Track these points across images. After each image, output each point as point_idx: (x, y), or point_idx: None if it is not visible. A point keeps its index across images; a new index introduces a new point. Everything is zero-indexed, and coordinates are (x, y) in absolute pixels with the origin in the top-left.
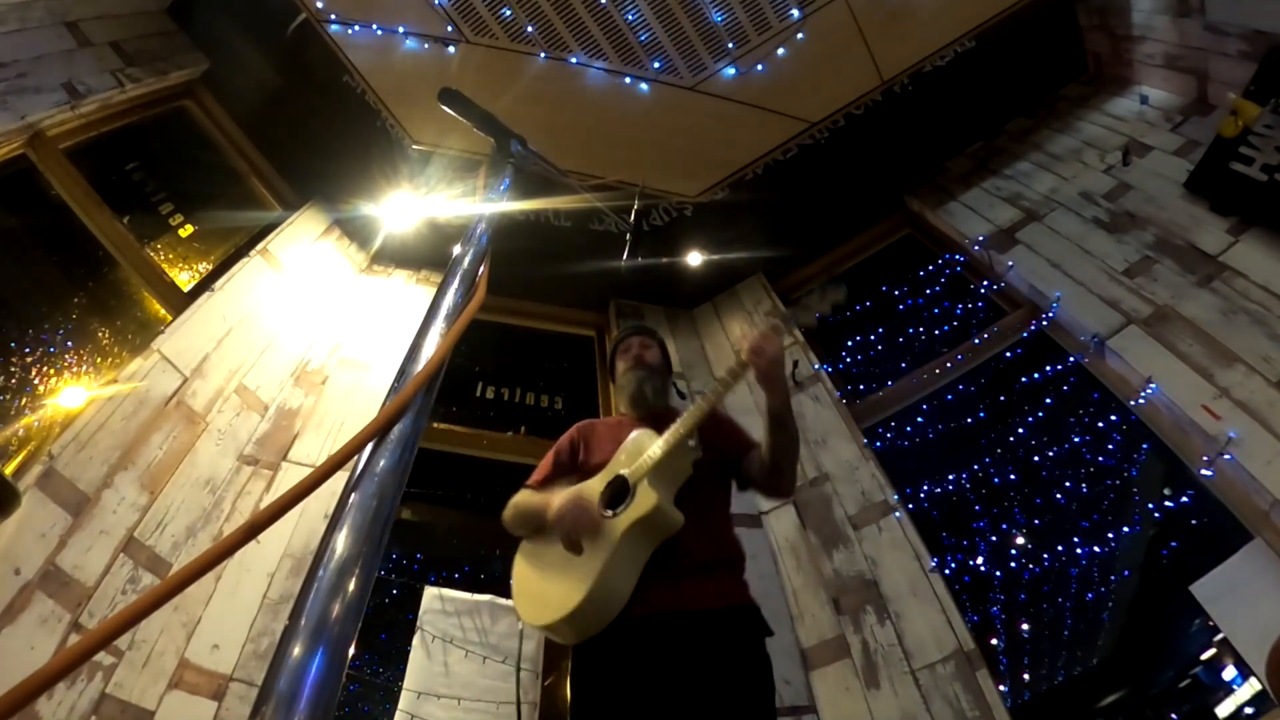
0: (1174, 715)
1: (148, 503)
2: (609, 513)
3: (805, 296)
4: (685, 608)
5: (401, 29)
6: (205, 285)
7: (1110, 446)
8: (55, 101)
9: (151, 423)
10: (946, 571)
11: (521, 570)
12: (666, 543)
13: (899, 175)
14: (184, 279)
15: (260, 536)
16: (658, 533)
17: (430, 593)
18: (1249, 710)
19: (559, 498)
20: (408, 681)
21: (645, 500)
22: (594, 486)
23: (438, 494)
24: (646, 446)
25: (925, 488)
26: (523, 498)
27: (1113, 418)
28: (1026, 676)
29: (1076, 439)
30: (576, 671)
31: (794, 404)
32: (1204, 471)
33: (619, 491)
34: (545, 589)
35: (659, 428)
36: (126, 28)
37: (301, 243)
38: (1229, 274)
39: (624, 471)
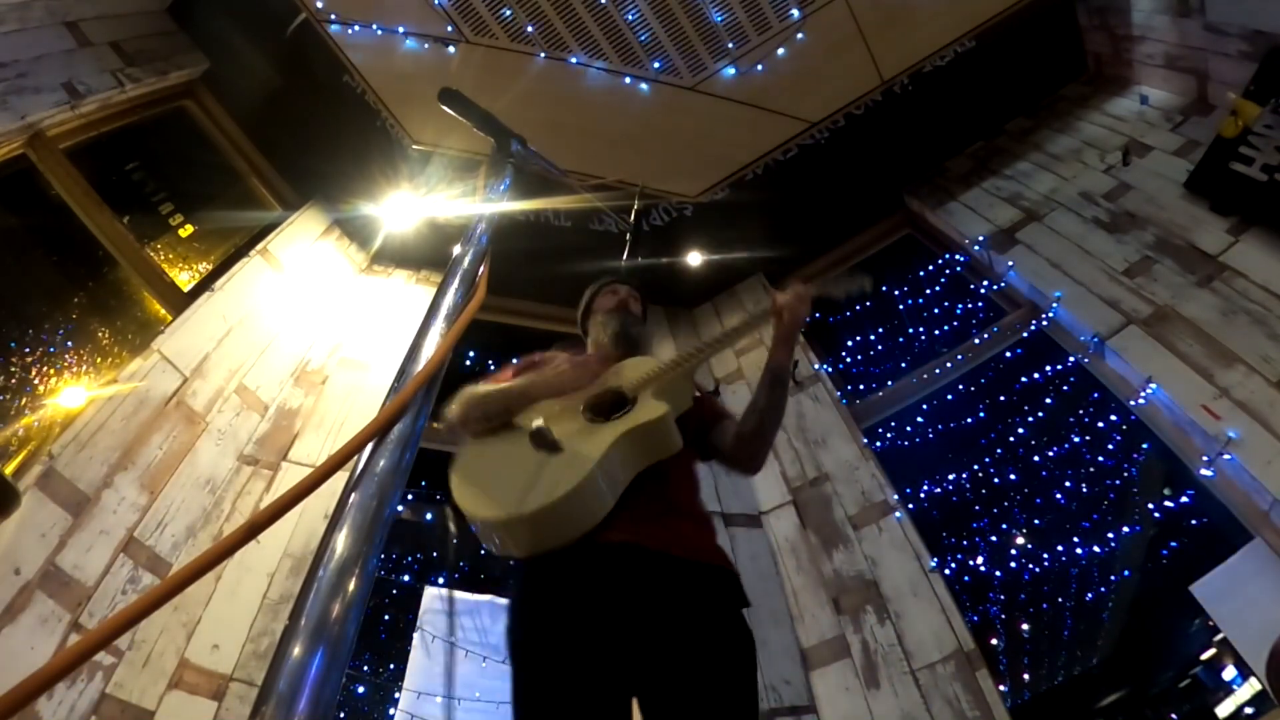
0: (1174, 715)
1: (148, 503)
2: (597, 418)
3: (837, 275)
4: (672, 551)
5: (401, 29)
6: (205, 285)
7: (1110, 446)
8: (55, 101)
9: (151, 423)
10: (946, 571)
11: (472, 458)
12: (652, 474)
13: (899, 175)
14: (184, 279)
15: (260, 536)
16: (653, 450)
17: (430, 593)
18: (1249, 710)
19: (553, 364)
20: (408, 681)
21: (653, 409)
22: (574, 397)
23: (438, 494)
24: (646, 366)
25: (925, 488)
26: (482, 386)
27: (1113, 418)
28: (1026, 676)
29: (1076, 439)
30: (525, 593)
31: (794, 404)
32: (1204, 471)
33: (615, 402)
34: (504, 481)
35: None
36: (126, 28)
37: (301, 243)
38: (1229, 274)
39: (618, 384)
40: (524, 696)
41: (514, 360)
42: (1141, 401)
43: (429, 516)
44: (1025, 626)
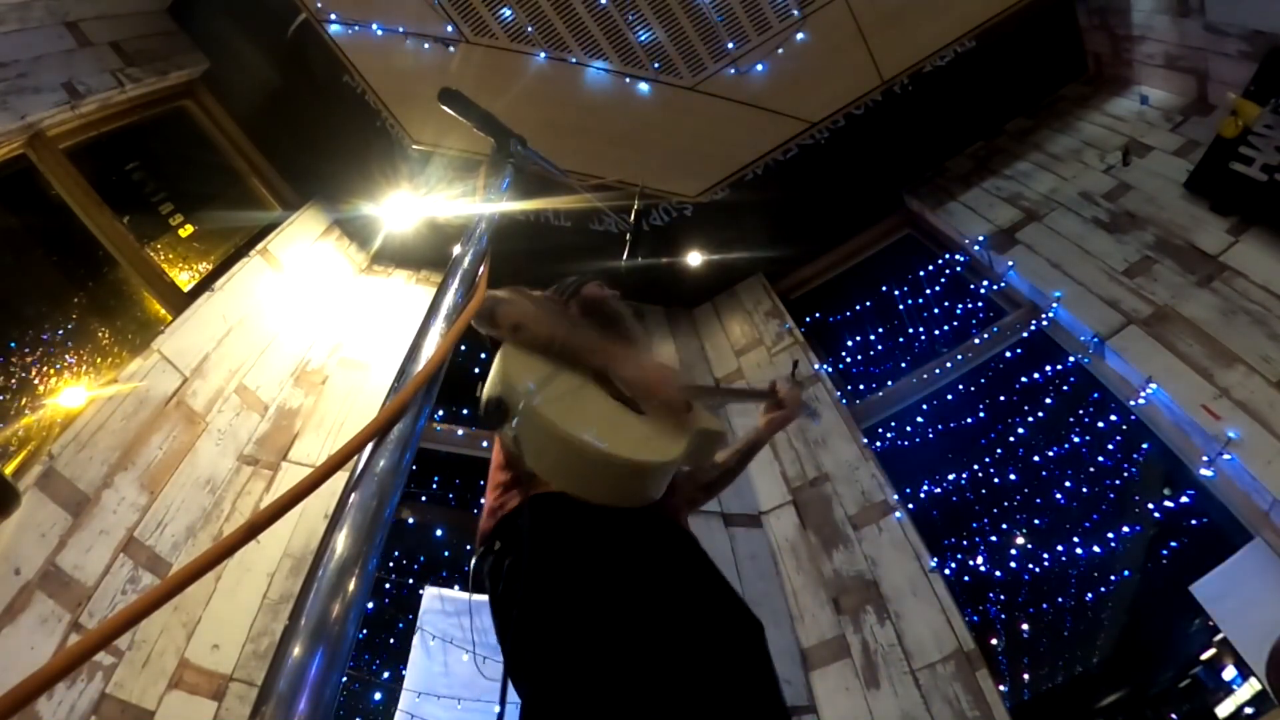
0: (1174, 715)
1: (148, 503)
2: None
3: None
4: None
5: (401, 29)
6: (205, 285)
7: (1110, 446)
8: (55, 101)
9: (151, 423)
10: (946, 572)
11: (564, 392)
12: (683, 481)
13: (899, 175)
14: (184, 279)
15: (260, 536)
16: (703, 456)
17: (430, 593)
18: (1249, 710)
19: (644, 355)
20: (408, 681)
21: (716, 421)
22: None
23: (438, 494)
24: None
25: (925, 488)
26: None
27: (1113, 418)
28: (1026, 676)
29: (1076, 439)
30: (593, 536)
31: None
32: (1204, 471)
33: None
34: (617, 421)
35: None
36: (126, 28)
37: (301, 243)
38: (1229, 274)
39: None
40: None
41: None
42: (1141, 401)
43: (429, 517)
44: (1025, 626)
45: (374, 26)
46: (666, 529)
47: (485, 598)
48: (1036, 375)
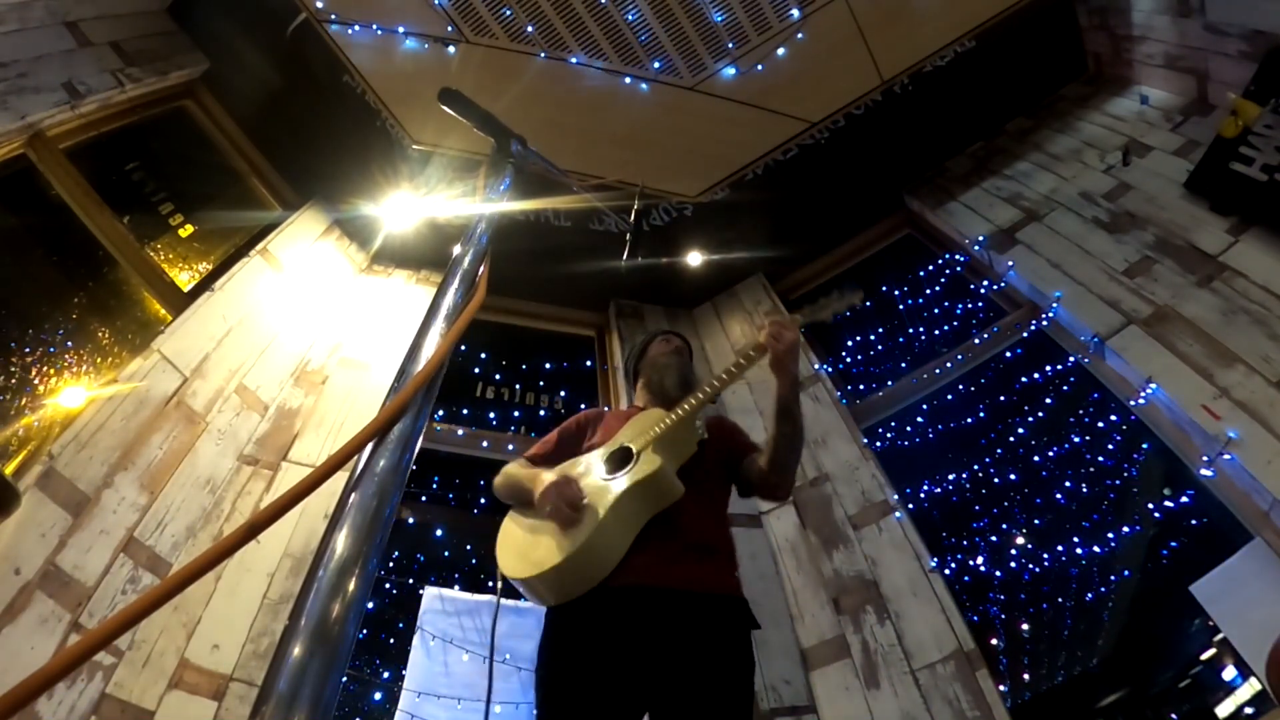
0: (1174, 715)
1: (148, 503)
2: (609, 476)
3: (823, 296)
4: (677, 586)
5: (401, 29)
6: (205, 285)
7: (1110, 446)
8: (55, 101)
9: (151, 423)
10: (946, 571)
11: (510, 526)
12: (663, 518)
13: (899, 175)
14: (184, 279)
15: (260, 536)
16: (656, 499)
17: (430, 593)
18: (1249, 710)
19: (547, 476)
20: (408, 681)
21: (649, 464)
22: (593, 458)
23: (438, 494)
24: (655, 420)
25: (925, 488)
26: (515, 468)
27: (1113, 418)
28: (1026, 676)
29: (1076, 439)
30: (551, 635)
31: None
32: (1204, 471)
33: (623, 459)
34: (532, 543)
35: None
36: (126, 28)
37: (301, 243)
38: (1229, 274)
39: (629, 442)
40: None
41: (571, 419)
42: (1141, 401)
43: (429, 517)
44: (1025, 626)
45: (374, 26)
46: (605, 606)
47: (485, 598)
48: (1036, 375)
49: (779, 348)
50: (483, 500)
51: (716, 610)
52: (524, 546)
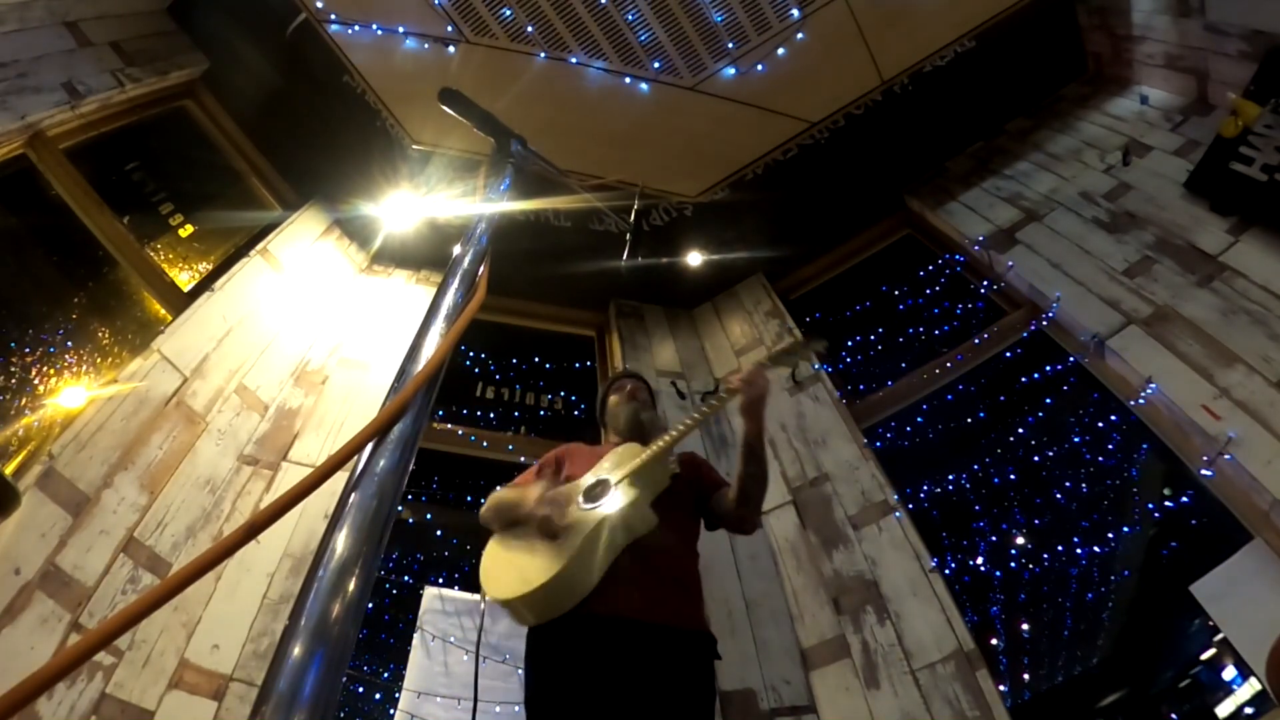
0: (1174, 715)
1: (148, 503)
2: (586, 505)
3: (790, 345)
4: (648, 619)
5: (401, 29)
6: (205, 285)
7: (1110, 446)
8: (55, 101)
9: (151, 423)
10: (946, 571)
11: (493, 550)
12: (637, 548)
13: (899, 175)
14: (184, 279)
15: (260, 536)
16: (630, 530)
17: (430, 593)
18: (1249, 710)
19: (537, 488)
20: (408, 681)
21: (624, 495)
22: (574, 487)
23: (438, 494)
24: (632, 455)
25: (925, 488)
26: (501, 492)
27: (1113, 418)
28: (1026, 676)
29: (1076, 439)
30: (532, 654)
31: (794, 404)
32: (1204, 471)
33: (601, 490)
34: (513, 567)
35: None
36: (126, 28)
37: (301, 243)
38: (1229, 274)
39: (606, 474)
40: None
41: (533, 463)
42: (1141, 401)
43: (429, 517)
44: (1025, 626)
45: (374, 26)
46: (581, 630)
47: (484, 598)
48: (1036, 375)
49: (752, 393)
50: (482, 501)
51: (688, 646)
52: (507, 568)
